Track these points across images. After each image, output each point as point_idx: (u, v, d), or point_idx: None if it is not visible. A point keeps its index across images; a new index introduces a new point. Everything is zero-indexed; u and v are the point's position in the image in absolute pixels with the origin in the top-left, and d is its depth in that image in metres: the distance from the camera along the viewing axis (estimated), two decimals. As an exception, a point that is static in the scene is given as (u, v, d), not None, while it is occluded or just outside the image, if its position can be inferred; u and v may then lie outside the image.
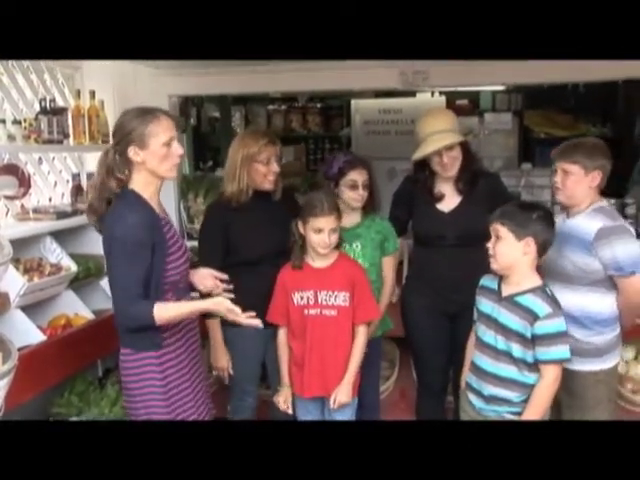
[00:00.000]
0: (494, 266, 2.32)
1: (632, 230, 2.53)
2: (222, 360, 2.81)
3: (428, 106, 5.31)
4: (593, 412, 2.53)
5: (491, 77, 3.93)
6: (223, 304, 2.12)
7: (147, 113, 2.16)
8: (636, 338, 3.32)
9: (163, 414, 2.20)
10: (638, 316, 2.62)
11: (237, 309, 2.11)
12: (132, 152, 2.13)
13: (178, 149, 2.20)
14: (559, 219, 2.58)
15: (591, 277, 2.48)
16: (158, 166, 2.16)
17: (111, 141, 3.52)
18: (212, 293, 2.37)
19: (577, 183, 2.50)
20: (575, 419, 2.55)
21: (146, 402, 2.21)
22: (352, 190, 2.80)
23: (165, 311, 2.10)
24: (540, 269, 2.42)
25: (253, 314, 2.16)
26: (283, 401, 2.70)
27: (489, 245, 2.30)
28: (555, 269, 2.52)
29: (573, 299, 2.47)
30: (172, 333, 2.22)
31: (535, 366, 2.24)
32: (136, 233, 2.08)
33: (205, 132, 6.80)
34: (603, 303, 2.51)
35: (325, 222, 2.54)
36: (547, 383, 2.23)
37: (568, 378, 2.48)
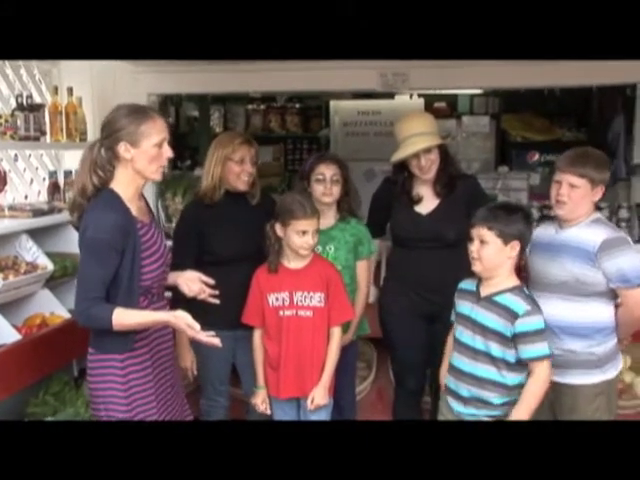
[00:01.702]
0: (477, 269, 2.32)
1: (631, 241, 2.46)
2: (186, 360, 2.80)
3: (406, 108, 5.38)
4: None
5: (470, 81, 3.96)
6: (184, 319, 2.06)
7: (142, 112, 2.15)
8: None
9: (123, 418, 2.17)
10: (636, 328, 2.55)
11: (197, 326, 2.06)
12: (122, 148, 2.10)
13: (168, 152, 2.18)
14: (550, 230, 2.55)
15: (591, 288, 2.41)
16: (146, 166, 2.14)
17: (89, 137, 3.56)
18: (197, 297, 2.36)
19: (583, 197, 2.40)
20: None
21: (107, 404, 2.18)
22: (319, 183, 2.82)
23: (125, 318, 2.06)
24: (521, 275, 2.45)
25: (212, 334, 2.11)
26: (261, 402, 2.70)
27: (472, 249, 2.30)
28: (549, 280, 2.47)
29: (571, 310, 2.43)
30: (139, 337, 2.19)
31: (515, 366, 2.26)
32: (107, 235, 2.06)
33: (184, 131, 6.76)
34: (603, 313, 2.45)
35: (309, 224, 2.55)
36: (537, 380, 2.22)
37: (566, 394, 2.47)
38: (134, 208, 2.18)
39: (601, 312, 2.45)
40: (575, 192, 2.39)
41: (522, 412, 2.23)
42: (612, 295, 2.45)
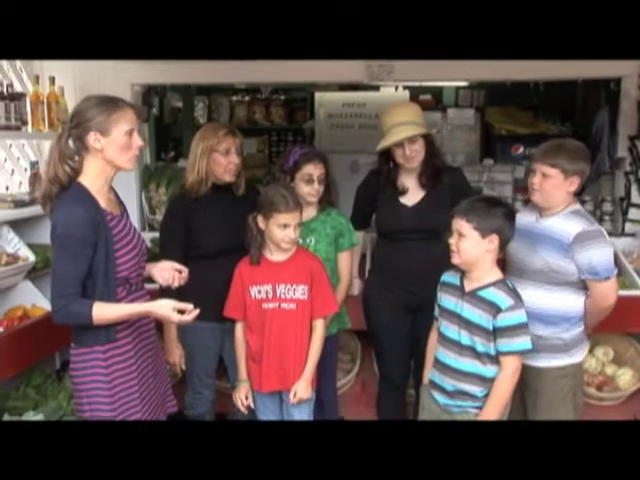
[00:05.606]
0: (456, 261, 2.32)
1: (606, 234, 2.53)
2: (174, 355, 2.79)
3: (391, 100, 5.36)
4: (560, 407, 2.54)
5: (455, 73, 3.97)
6: (167, 307, 2.07)
7: (111, 102, 2.14)
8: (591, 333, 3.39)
9: (107, 411, 2.16)
10: (601, 319, 2.62)
11: (189, 306, 2.07)
12: (92, 138, 2.09)
13: (138, 140, 2.18)
14: (531, 217, 2.59)
15: (563, 278, 2.50)
16: (117, 156, 2.13)
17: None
18: (171, 286, 2.34)
19: (555, 187, 2.48)
20: (542, 416, 2.55)
21: (90, 398, 2.17)
22: (308, 184, 2.79)
23: (104, 312, 2.06)
24: (501, 264, 2.44)
25: (191, 307, 2.10)
26: (243, 397, 2.68)
27: (451, 241, 2.31)
28: (526, 268, 2.53)
29: (543, 298, 2.50)
30: (120, 329, 2.18)
31: (496, 359, 2.27)
32: (78, 230, 2.04)
33: (168, 122, 6.68)
34: (573, 303, 2.53)
35: (291, 217, 2.53)
36: (507, 375, 2.25)
37: (534, 376, 2.52)
38: (103, 200, 2.17)
39: (571, 301, 2.53)
40: (547, 181, 2.48)
41: (493, 409, 2.26)
42: (582, 285, 2.53)
